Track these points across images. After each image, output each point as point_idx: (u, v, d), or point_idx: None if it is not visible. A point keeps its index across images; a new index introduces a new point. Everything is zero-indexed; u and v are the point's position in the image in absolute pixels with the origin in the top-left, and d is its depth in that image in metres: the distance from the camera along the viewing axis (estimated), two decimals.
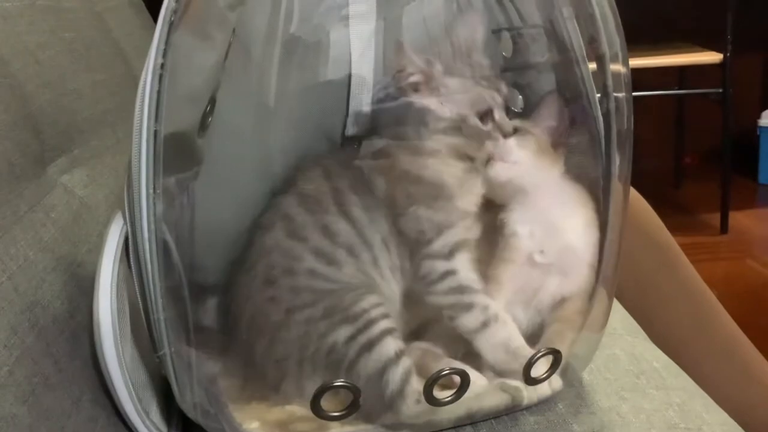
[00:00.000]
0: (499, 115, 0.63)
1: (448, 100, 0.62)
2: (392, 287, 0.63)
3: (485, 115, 0.63)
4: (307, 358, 0.60)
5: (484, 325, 0.61)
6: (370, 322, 0.59)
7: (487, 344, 0.61)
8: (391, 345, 0.59)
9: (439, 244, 0.61)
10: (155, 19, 0.52)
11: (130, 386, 0.55)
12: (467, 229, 0.63)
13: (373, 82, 0.65)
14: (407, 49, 0.63)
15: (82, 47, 0.85)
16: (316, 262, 0.61)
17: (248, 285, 0.62)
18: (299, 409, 0.60)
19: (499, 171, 0.64)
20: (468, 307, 0.61)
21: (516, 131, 0.66)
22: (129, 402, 0.56)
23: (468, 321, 0.61)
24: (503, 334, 0.61)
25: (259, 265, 0.62)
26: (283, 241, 0.62)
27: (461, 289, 0.61)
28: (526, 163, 0.65)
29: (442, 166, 0.62)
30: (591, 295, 0.65)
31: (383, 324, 0.59)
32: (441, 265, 0.61)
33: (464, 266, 0.62)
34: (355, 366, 0.58)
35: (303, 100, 0.67)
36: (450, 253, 0.61)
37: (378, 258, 0.62)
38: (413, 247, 0.62)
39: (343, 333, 0.59)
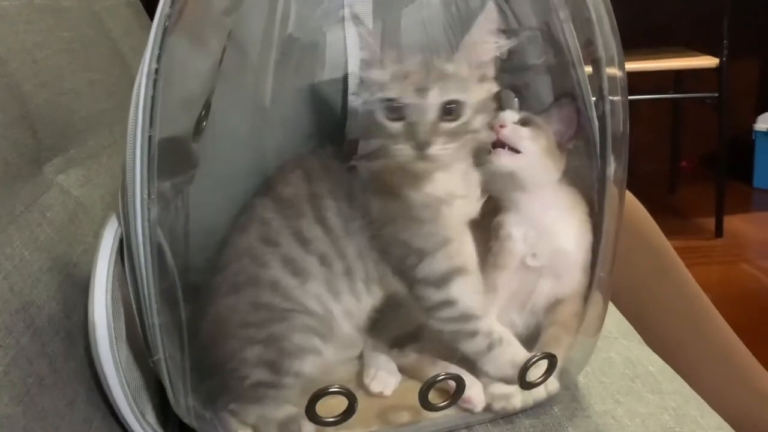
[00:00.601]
0: (418, 117, 0.55)
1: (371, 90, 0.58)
2: (363, 300, 0.62)
3: (393, 113, 0.56)
4: (235, 379, 0.60)
5: (489, 348, 0.61)
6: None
7: (493, 365, 0.61)
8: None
9: (425, 271, 0.59)
10: (152, 19, 0.52)
11: (126, 388, 0.55)
12: (457, 254, 0.60)
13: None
14: (368, 33, 0.60)
15: (80, 47, 0.85)
16: (282, 272, 0.60)
17: (216, 287, 0.61)
18: (293, 409, 0.60)
19: (504, 160, 0.63)
20: (472, 334, 0.60)
21: (527, 123, 0.64)
22: (125, 403, 0.56)
23: (472, 346, 0.61)
24: (509, 353, 0.61)
25: (229, 268, 0.61)
26: (256, 246, 0.61)
27: (463, 318, 0.60)
28: (533, 156, 0.64)
29: (414, 179, 0.58)
30: (586, 298, 0.65)
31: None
32: (435, 294, 0.60)
33: (462, 293, 0.60)
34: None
35: (299, 101, 0.67)
36: (442, 281, 0.59)
37: (351, 269, 0.60)
38: (397, 266, 0.60)
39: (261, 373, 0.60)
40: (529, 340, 0.65)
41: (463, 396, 0.60)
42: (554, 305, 0.66)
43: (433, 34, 0.68)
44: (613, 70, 0.60)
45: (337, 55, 0.66)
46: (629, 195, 1.01)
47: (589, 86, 0.64)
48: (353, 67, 0.65)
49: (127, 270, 0.54)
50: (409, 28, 0.68)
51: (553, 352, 0.61)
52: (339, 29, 0.65)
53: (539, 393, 0.63)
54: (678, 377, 0.71)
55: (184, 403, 0.57)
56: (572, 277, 0.65)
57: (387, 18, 0.67)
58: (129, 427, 0.57)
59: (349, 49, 0.66)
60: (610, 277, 0.64)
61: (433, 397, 0.58)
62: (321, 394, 0.55)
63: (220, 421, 0.59)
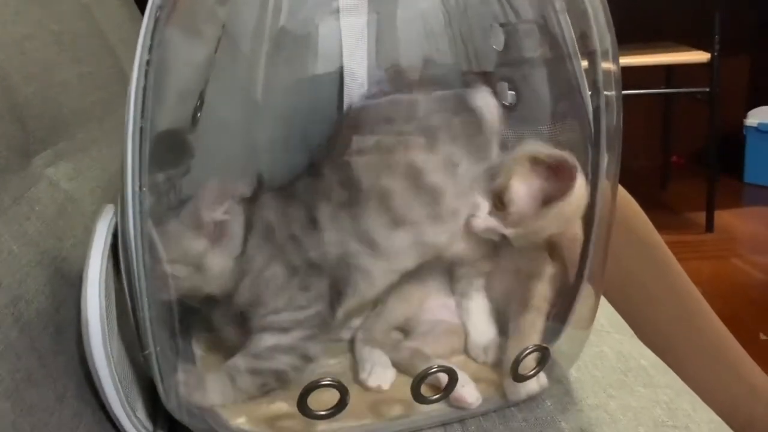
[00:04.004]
0: None
1: None
2: None
3: None
4: None
5: None
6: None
7: None
8: None
9: None
10: (143, 11, 0.52)
11: (118, 383, 0.55)
12: None
13: (367, 76, 0.65)
14: None
15: (69, 39, 0.84)
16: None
17: None
18: (286, 406, 0.60)
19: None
20: None
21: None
22: (116, 399, 0.55)
23: None
24: None
25: None
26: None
27: None
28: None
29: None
30: (566, 286, 0.65)
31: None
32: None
33: None
34: None
35: (292, 94, 0.67)
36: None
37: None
38: None
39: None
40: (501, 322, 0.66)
41: (456, 396, 0.60)
42: (524, 281, 0.66)
43: (432, 29, 0.68)
44: (607, 65, 0.60)
45: (330, 47, 0.65)
46: (621, 189, 1.01)
47: (585, 79, 0.63)
48: (348, 61, 0.65)
49: (121, 262, 0.54)
50: (406, 23, 0.68)
51: (532, 338, 0.61)
52: (332, 21, 0.64)
53: (532, 386, 0.63)
54: (670, 371, 0.71)
55: (175, 398, 0.57)
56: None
57: (382, 10, 0.66)
58: (119, 423, 0.56)
59: (344, 42, 0.65)
60: (602, 271, 0.64)
61: (425, 391, 0.58)
62: (312, 387, 0.54)
63: (211, 415, 0.59)
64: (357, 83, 0.65)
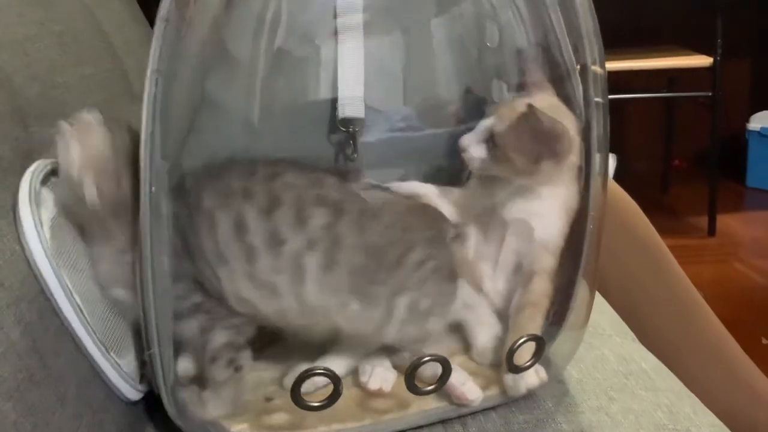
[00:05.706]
0: None
1: None
2: None
3: None
4: None
5: None
6: None
7: None
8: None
9: None
10: (145, 12, 0.52)
11: (83, 316, 0.55)
12: None
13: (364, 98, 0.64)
14: None
15: (72, 40, 0.84)
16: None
17: None
18: (285, 415, 0.60)
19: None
20: None
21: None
22: (83, 331, 0.56)
23: None
24: None
25: None
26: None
27: None
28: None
29: None
30: (558, 284, 0.65)
31: None
32: None
33: None
34: None
35: (288, 120, 0.66)
36: None
37: None
38: None
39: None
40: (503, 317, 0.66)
41: (458, 394, 0.60)
42: (524, 278, 0.66)
43: (470, 53, 0.67)
44: (595, 68, 0.61)
45: (327, 70, 0.64)
46: (622, 192, 1.01)
47: (580, 89, 0.64)
48: (344, 88, 0.64)
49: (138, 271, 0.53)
50: (443, 47, 0.67)
51: (531, 332, 0.61)
52: (333, 43, 0.63)
53: (531, 379, 0.62)
54: (671, 374, 0.71)
55: (174, 405, 0.57)
56: (539, 249, 0.66)
57: (412, 29, 0.66)
58: (100, 370, 0.57)
59: (340, 66, 0.64)
60: (596, 266, 0.64)
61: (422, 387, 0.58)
62: (305, 376, 0.55)
63: (213, 425, 0.59)
64: (353, 108, 0.64)
